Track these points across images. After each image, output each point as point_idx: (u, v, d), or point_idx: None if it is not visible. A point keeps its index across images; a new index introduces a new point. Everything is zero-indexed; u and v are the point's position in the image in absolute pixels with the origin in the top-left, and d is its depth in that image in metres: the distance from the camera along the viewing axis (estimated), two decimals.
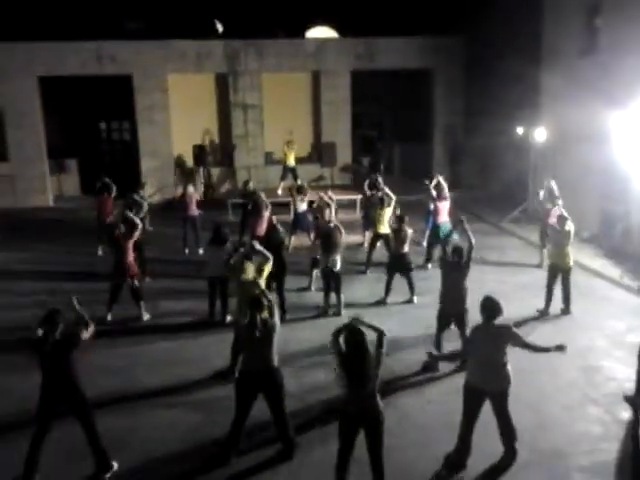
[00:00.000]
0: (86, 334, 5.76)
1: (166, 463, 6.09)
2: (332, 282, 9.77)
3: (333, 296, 9.85)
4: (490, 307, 5.80)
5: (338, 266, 9.70)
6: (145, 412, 7.03)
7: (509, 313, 9.38)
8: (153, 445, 6.36)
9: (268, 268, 7.83)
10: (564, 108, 14.16)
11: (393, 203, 11.84)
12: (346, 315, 9.62)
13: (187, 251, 13.28)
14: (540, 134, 14.42)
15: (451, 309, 7.89)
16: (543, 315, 9.69)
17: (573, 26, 14.32)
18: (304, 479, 5.80)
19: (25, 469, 5.69)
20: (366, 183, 13.95)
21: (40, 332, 5.63)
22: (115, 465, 5.90)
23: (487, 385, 5.76)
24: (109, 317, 9.61)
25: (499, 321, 5.81)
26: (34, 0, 19.79)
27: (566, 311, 9.71)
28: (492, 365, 5.73)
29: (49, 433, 5.74)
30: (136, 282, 9.62)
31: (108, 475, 5.84)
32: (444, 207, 12.27)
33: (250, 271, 7.88)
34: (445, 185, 12.71)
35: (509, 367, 5.79)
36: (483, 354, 5.74)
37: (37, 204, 18.35)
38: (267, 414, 6.14)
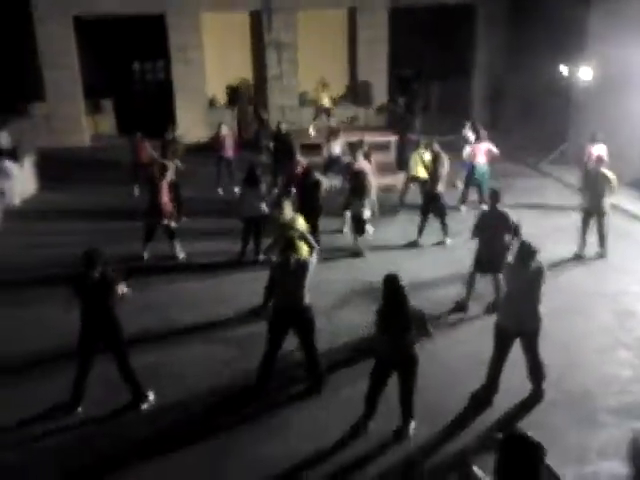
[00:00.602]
0: (121, 288, 5.90)
1: (201, 396, 6.32)
2: (356, 225, 9.77)
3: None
4: (526, 251, 5.73)
5: (367, 213, 9.65)
6: (180, 348, 7.26)
7: (545, 255, 9.36)
8: (188, 379, 6.60)
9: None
10: (611, 48, 13.47)
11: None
12: (378, 254, 9.72)
13: (220, 191, 13.37)
14: (585, 73, 13.83)
15: (489, 253, 7.69)
16: (578, 258, 9.54)
17: None
18: (333, 413, 5.96)
19: (71, 398, 6.01)
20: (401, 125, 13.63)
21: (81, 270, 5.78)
22: (151, 395, 6.15)
23: (519, 325, 5.78)
24: (146, 255, 9.84)
25: (535, 263, 5.76)
26: None
27: (602, 254, 9.54)
28: (525, 305, 5.72)
29: (91, 367, 6.01)
30: (171, 222, 9.75)
31: (145, 406, 6.11)
32: (480, 148, 11.99)
33: (288, 211, 7.90)
34: (481, 127, 12.41)
35: (540, 307, 5.77)
36: (516, 294, 5.73)
37: (74, 144, 18.55)
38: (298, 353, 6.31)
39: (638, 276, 8.88)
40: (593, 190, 9.40)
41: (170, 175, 9.88)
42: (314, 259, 6.31)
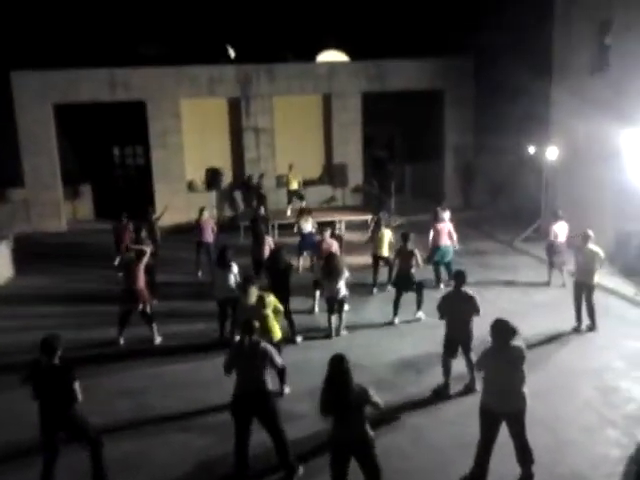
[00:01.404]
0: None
1: None
2: (336, 306, 9.73)
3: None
4: (503, 330, 5.70)
5: (342, 293, 9.67)
6: (158, 435, 7.00)
7: (524, 332, 9.36)
8: (166, 468, 6.32)
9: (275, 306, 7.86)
10: (575, 125, 14.14)
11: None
12: (346, 336, 9.63)
13: (200, 274, 13.34)
14: (552, 152, 14.38)
15: (458, 335, 7.70)
16: (577, 331, 9.65)
17: (584, 43, 14.35)
18: None
19: None
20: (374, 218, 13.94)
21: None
22: None
23: (503, 407, 5.68)
24: (121, 341, 9.64)
25: (513, 341, 5.74)
26: (48, 28, 20.23)
27: (592, 327, 9.65)
28: (508, 387, 5.65)
29: (56, 457, 5.73)
30: (147, 307, 9.64)
31: None
32: (442, 229, 12.18)
33: (253, 294, 7.84)
34: (442, 210, 12.71)
35: (525, 388, 5.71)
36: (498, 376, 5.66)
37: (51, 229, 18.54)
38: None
39: (620, 351, 8.89)
40: (583, 265, 9.59)
41: (146, 260, 9.84)
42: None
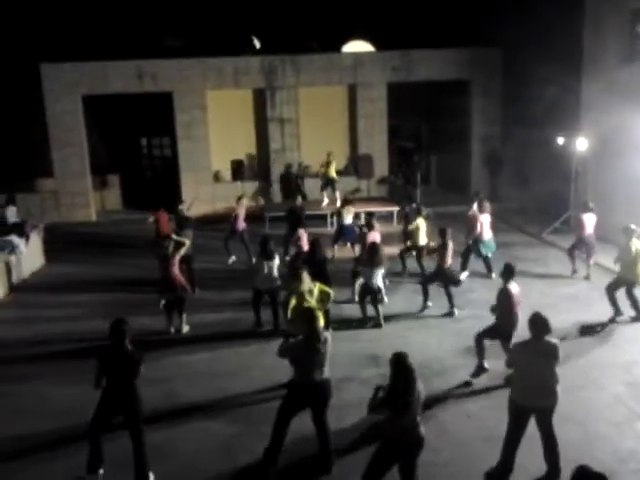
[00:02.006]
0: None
1: (204, 475, 6.13)
2: (372, 296, 9.76)
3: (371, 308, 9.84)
4: (540, 323, 5.66)
5: (380, 282, 9.70)
6: (184, 423, 7.10)
7: (554, 325, 9.29)
8: (191, 457, 6.42)
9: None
10: (605, 116, 13.88)
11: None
12: (387, 328, 9.65)
13: (231, 261, 13.51)
14: (581, 143, 14.16)
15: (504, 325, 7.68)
16: (613, 322, 9.56)
17: (614, 33, 14.07)
18: None
19: (89, 467, 5.86)
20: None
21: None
22: (152, 478, 5.96)
23: (534, 402, 5.64)
24: (172, 330, 9.82)
25: (548, 336, 5.69)
26: (79, 21, 20.46)
27: (638, 318, 9.55)
28: (541, 382, 5.60)
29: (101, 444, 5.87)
30: (183, 293, 9.77)
31: None
32: (484, 221, 12.07)
33: (306, 282, 7.91)
34: (484, 200, 12.59)
35: (558, 384, 5.67)
36: (531, 371, 5.61)
37: (80, 219, 18.82)
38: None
39: None
40: (626, 261, 9.47)
41: (184, 251, 9.97)
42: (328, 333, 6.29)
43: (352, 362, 8.43)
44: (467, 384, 7.75)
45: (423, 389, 5.20)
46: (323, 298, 8.03)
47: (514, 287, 7.68)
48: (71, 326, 10.09)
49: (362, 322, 9.84)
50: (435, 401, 7.30)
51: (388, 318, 9.99)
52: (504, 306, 7.61)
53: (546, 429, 5.71)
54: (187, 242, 10.18)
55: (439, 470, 5.92)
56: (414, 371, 5.08)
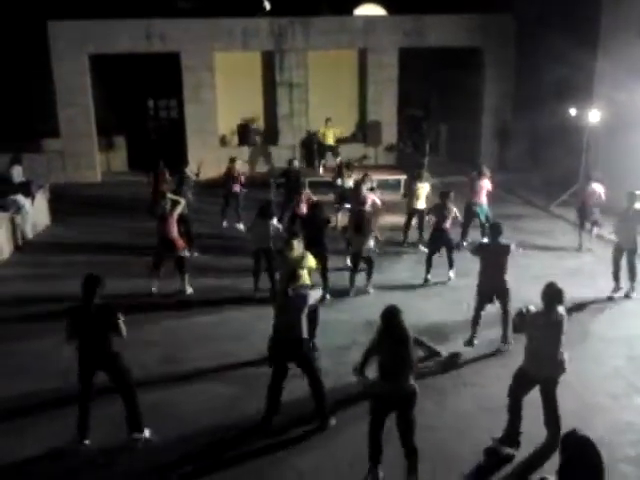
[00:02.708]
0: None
1: (204, 436, 6.19)
2: (363, 264, 9.73)
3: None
4: (555, 293, 5.61)
5: (369, 251, 9.66)
6: (186, 386, 7.15)
7: None
8: (192, 418, 6.47)
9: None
10: (618, 91, 13.62)
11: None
12: (373, 295, 9.63)
13: (225, 224, 13.52)
14: (594, 115, 13.91)
15: (490, 288, 7.73)
16: (615, 292, 9.51)
17: (634, 8, 13.72)
18: (339, 455, 5.81)
19: (78, 431, 5.91)
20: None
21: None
22: (147, 433, 6.01)
23: (541, 372, 5.65)
24: (154, 290, 9.81)
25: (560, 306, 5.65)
26: None
27: (631, 290, 9.50)
28: (550, 352, 5.60)
29: (92, 398, 5.92)
30: (182, 253, 9.76)
31: (137, 435, 5.94)
32: (481, 187, 11.98)
33: (297, 249, 7.88)
34: (483, 167, 12.49)
35: (565, 355, 5.66)
36: (542, 341, 5.60)
37: (86, 180, 18.77)
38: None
39: None
40: (625, 226, 9.37)
41: (180, 209, 9.96)
42: (317, 294, 6.30)
43: (351, 329, 8.44)
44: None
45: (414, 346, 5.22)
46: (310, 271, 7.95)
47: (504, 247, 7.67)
48: (74, 286, 10.08)
49: (347, 291, 9.77)
50: (434, 369, 7.31)
51: (390, 287, 9.97)
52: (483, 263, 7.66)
53: (550, 399, 5.71)
54: (182, 201, 10.14)
55: (432, 434, 5.95)
56: (404, 326, 5.11)
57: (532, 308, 5.75)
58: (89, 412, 5.90)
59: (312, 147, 18.50)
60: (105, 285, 5.87)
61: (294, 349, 6.11)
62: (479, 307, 7.89)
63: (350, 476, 5.50)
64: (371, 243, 9.66)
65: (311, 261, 7.75)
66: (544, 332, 5.61)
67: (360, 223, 9.57)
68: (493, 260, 7.66)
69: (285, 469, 5.69)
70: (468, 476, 5.54)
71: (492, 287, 7.72)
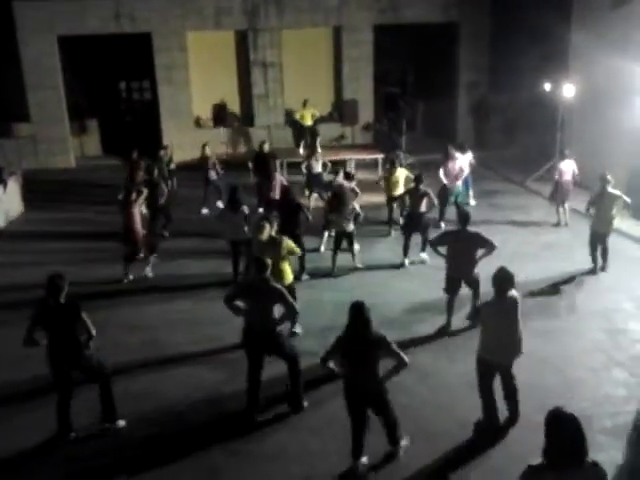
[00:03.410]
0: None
1: (187, 421, 6.18)
2: (346, 241, 9.75)
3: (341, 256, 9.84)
4: (503, 278, 5.59)
5: (351, 227, 9.66)
6: (167, 370, 7.12)
7: (534, 273, 9.34)
8: (175, 402, 6.45)
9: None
10: (594, 63, 13.67)
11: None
12: (355, 274, 9.65)
13: (205, 210, 13.43)
14: (568, 90, 13.97)
15: (459, 275, 7.69)
16: (593, 272, 9.57)
17: None
18: (325, 436, 5.84)
19: (59, 428, 5.84)
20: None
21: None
22: (122, 423, 5.97)
23: (499, 359, 5.69)
24: (126, 280, 9.71)
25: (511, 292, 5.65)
26: None
27: (604, 268, 9.59)
28: (505, 339, 5.62)
29: (71, 393, 5.84)
30: (140, 253, 9.66)
31: (109, 425, 5.90)
32: (452, 168, 12.04)
33: (266, 232, 7.81)
34: (453, 147, 12.53)
35: (521, 337, 5.69)
36: (495, 328, 5.61)
37: (60, 165, 18.44)
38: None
39: (630, 293, 8.87)
40: (601, 210, 9.44)
41: (141, 201, 9.78)
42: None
43: (334, 310, 8.43)
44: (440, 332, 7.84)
45: (386, 340, 5.12)
46: (291, 253, 7.89)
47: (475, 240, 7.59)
48: (46, 272, 9.92)
49: (329, 272, 9.78)
50: (415, 346, 7.36)
51: (370, 267, 9.99)
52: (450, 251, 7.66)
53: (509, 383, 5.79)
54: (144, 190, 9.95)
55: (417, 412, 6.00)
56: (368, 321, 5.03)
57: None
58: (69, 406, 5.83)
59: (297, 127, 18.29)
60: (67, 283, 5.72)
61: (267, 339, 6.03)
62: (451, 293, 7.83)
63: (330, 454, 5.54)
64: (351, 221, 9.67)
65: (290, 245, 7.71)
66: (496, 320, 5.60)
67: (342, 200, 9.57)
68: (460, 248, 7.60)
69: (266, 447, 5.71)
70: (452, 451, 5.61)
71: (460, 274, 7.70)
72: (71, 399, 5.83)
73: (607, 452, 5.50)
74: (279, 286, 6.15)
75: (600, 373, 6.84)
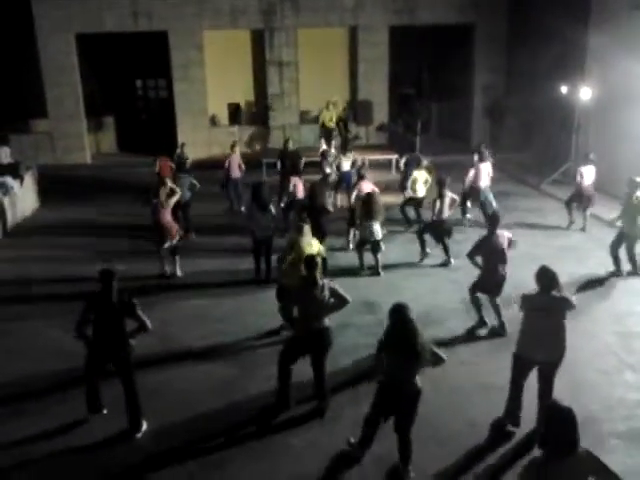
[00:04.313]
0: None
1: (199, 416, 6.22)
2: (371, 249, 9.75)
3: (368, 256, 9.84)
4: (546, 277, 5.57)
5: (380, 235, 9.66)
6: (180, 368, 7.17)
7: None
8: (188, 398, 6.50)
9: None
10: (611, 66, 13.58)
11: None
12: (384, 276, 9.66)
13: (232, 209, 13.48)
14: (585, 93, 13.90)
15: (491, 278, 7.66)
16: (616, 275, 9.53)
17: None
18: (335, 437, 5.86)
19: (89, 409, 5.98)
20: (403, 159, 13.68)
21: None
22: (145, 425, 6.02)
23: (538, 356, 5.62)
24: (168, 271, 9.82)
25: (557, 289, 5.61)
26: None
27: (635, 272, 9.52)
28: (546, 336, 5.57)
29: (98, 387, 5.95)
30: (173, 241, 9.71)
31: (139, 435, 5.95)
32: (483, 169, 12.03)
33: (308, 234, 7.80)
34: (485, 149, 12.50)
35: (565, 337, 5.62)
36: (537, 324, 5.58)
37: (76, 161, 18.61)
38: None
39: None
40: (629, 214, 9.37)
41: (175, 199, 9.86)
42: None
43: (348, 309, 8.38)
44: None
45: (428, 341, 5.15)
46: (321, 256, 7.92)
47: (502, 237, 7.60)
48: (67, 269, 10.07)
49: (358, 270, 9.83)
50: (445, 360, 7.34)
51: (385, 266, 9.99)
52: (485, 258, 7.57)
53: (546, 383, 5.69)
54: (178, 191, 10.04)
55: (427, 411, 5.97)
56: (412, 322, 5.04)
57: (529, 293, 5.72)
58: (98, 386, 5.96)
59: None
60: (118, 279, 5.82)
61: (319, 339, 6.02)
62: (476, 297, 7.85)
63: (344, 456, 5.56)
64: (379, 231, 9.67)
65: (318, 247, 7.77)
66: (538, 315, 5.56)
67: (371, 207, 9.56)
68: (494, 252, 7.54)
69: (285, 447, 5.74)
70: (464, 454, 5.60)
71: (493, 280, 7.63)
72: (99, 386, 5.95)
73: (619, 455, 5.50)
74: (332, 283, 6.13)
75: (612, 376, 6.82)
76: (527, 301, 5.71)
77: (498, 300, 7.67)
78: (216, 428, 6.03)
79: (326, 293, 5.97)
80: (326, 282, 6.05)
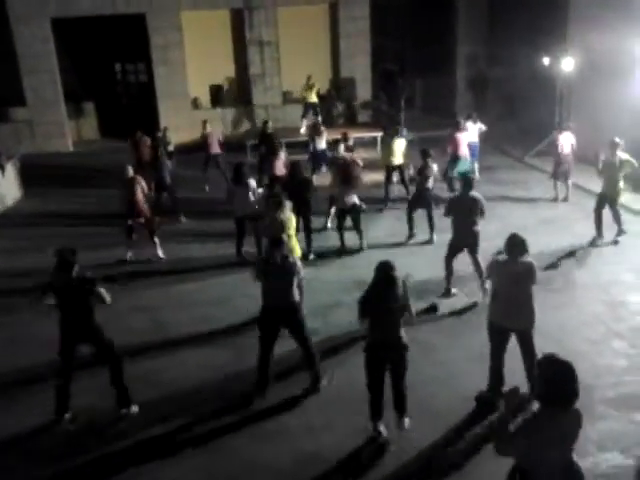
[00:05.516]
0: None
1: (194, 402, 6.23)
2: (351, 219, 9.73)
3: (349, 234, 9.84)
4: (517, 244, 5.63)
5: (355, 201, 9.60)
6: (172, 352, 7.17)
7: (534, 247, 9.34)
8: (180, 384, 6.50)
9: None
10: (593, 36, 13.53)
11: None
12: (371, 254, 9.66)
13: (207, 188, 13.45)
14: (567, 64, 13.87)
15: (463, 239, 7.93)
16: (596, 241, 9.63)
17: None
18: (330, 415, 5.91)
19: (56, 407, 5.89)
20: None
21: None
22: (135, 407, 6.02)
23: (510, 322, 5.71)
24: (129, 256, 9.80)
25: (524, 257, 5.68)
26: None
27: (620, 233, 9.63)
28: (516, 302, 5.64)
29: (73, 373, 5.90)
30: (141, 220, 9.72)
31: (126, 411, 5.96)
32: (463, 138, 12.03)
33: (287, 210, 7.83)
34: (463, 119, 12.53)
35: (534, 304, 5.71)
36: (505, 290, 5.64)
37: (57, 149, 18.36)
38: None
39: (629, 265, 8.92)
40: (610, 175, 9.43)
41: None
42: (297, 259, 6.34)
43: (339, 288, 8.49)
44: (434, 308, 7.88)
45: (405, 297, 5.26)
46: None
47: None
48: (52, 259, 9.95)
49: (340, 251, 9.81)
50: (419, 322, 7.38)
51: (372, 245, 10.00)
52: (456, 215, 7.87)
53: (527, 348, 5.80)
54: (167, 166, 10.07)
55: (420, 388, 6.05)
56: (395, 279, 5.15)
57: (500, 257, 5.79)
58: (69, 387, 5.88)
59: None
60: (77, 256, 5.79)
61: (288, 315, 6.09)
62: (450, 256, 8.10)
63: (344, 435, 5.61)
64: (356, 198, 9.64)
65: (293, 224, 7.75)
66: (508, 282, 5.61)
67: (348, 174, 9.54)
68: (462, 212, 7.80)
69: (280, 428, 5.77)
70: (455, 426, 5.67)
71: (463, 239, 7.91)
72: (71, 381, 5.88)
73: (608, 421, 5.59)
74: (297, 260, 6.23)
75: (600, 345, 6.91)
76: (496, 267, 5.76)
77: (480, 259, 7.77)
78: (211, 412, 6.05)
79: (292, 270, 6.01)
80: (293, 260, 6.16)
